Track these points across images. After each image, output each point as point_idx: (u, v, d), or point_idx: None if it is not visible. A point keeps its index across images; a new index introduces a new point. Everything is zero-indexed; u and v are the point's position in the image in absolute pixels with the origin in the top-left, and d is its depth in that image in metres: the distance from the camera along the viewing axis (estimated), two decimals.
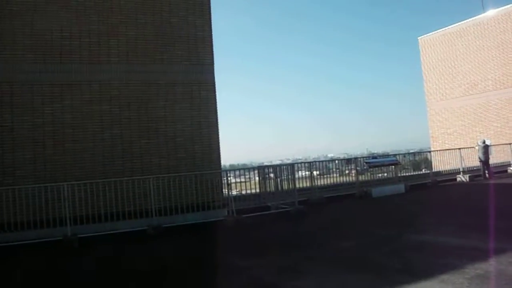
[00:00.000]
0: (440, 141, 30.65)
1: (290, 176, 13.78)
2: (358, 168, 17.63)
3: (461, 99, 29.37)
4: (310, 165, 16.67)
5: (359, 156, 21.92)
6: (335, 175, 18.81)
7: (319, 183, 16.87)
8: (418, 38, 32.36)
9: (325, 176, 17.93)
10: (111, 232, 11.30)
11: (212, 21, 14.57)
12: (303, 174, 17.54)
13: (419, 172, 20.45)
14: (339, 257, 7.25)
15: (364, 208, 13.89)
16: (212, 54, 14.45)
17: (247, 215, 12.61)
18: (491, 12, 28.18)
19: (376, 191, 16.48)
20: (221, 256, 8.42)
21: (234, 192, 13.92)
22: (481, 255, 6.44)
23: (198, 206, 12.78)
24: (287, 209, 13.25)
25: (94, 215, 11.53)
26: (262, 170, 14.78)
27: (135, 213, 11.98)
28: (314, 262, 7.10)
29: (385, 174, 18.11)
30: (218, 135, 14.21)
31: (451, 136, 29.88)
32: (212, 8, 14.58)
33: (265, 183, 14.36)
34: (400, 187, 17.16)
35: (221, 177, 13.73)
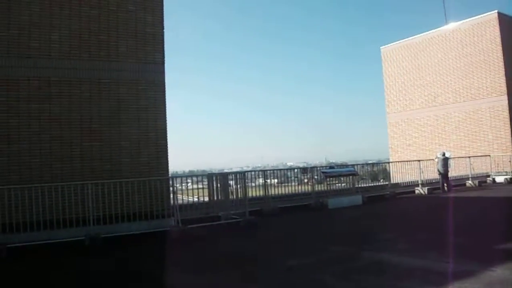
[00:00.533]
0: (399, 153, 30.57)
1: (239, 185, 12.96)
2: (315, 177, 17.04)
3: (421, 111, 29.40)
4: (264, 173, 15.94)
5: (318, 165, 21.37)
6: (293, 184, 18.19)
7: (273, 192, 16.17)
8: (381, 47, 32.34)
9: (281, 185, 17.28)
10: (47, 241, 10.22)
11: (164, 18, 13.71)
12: (259, 182, 16.89)
13: (377, 184, 20.05)
14: (286, 280, 6.49)
15: (319, 221, 13.25)
16: (163, 53, 13.55)
17: (195, 225, 11.77)
18: (453, 25, 28.35)
19: (333, 202, 15.91)
20: (156, 271, 7.54)
21: (181, 200, 13.08)
22: (441, 279, 5.81)
23: (143, 215, 11.85)
24: (237, 220, 12.46)
25: (27, 222, 10.40)
26: (211, 177, 13.95)
27: (77, 221, 10.92)
28: (255, 285, 6.32)
29: (343, 185, 17.56)
30: (166, 139, 13.32)
31: (410, 147, 29.85)
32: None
33: (214, 191, 13.53)
34: (358, 199, 16.66)
35: (168, 184, 12.86)
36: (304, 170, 17.73)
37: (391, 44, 31.67)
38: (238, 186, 12.96)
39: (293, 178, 18.70)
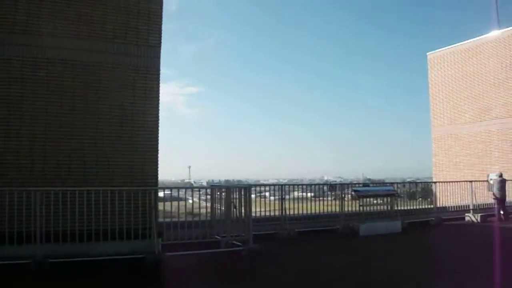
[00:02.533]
0: (444, 172, 26.96)
1: (243, 201, 10.08)
2: (351, 194, 13.98)
3: (471, 125, 25.74)
4: (281, 188, 13.01)
5: (355, 181, 18.19)
6: (318, 201, 15.11)
7: (292, 213, 13.19)
8: (427, 54, 28.90)
9: (304, 202, 14.32)
10: None
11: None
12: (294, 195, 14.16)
13: (420, 207, 16.77)
14: None
15: (346, 256, 10.15)
16: (159, 34, 10.85)
17: (180, 253, 8.96)
18: (509, 30, 24.78)
19: (365, 229, 12.85)
20: None
21: (175, 218, 10.35)
22: None
23: (118, 233, 9.18)
24: (238, 248, 9.61)
25: None
26: (215, 190, 11.16)
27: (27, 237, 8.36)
28: None
29: (379, 207, 14.41)
30: (157, 140, 10.59)
31: (457, 166, 26.18)
32: None
33: (214, 208, 10.74)
34: (396, 225, 13.52)
35: (156, 196, 10.18)
36: (331, 187, 14.55)
37: (439, 50, 28.19)
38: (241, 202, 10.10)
39: (318, 194, 15.60)
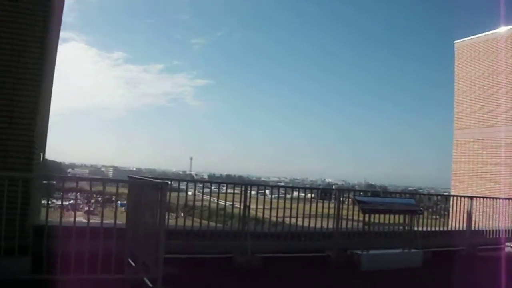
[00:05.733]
0: (466, 183, 22.46)
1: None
2: (360, 205, 9.64)
3: (505, 128, 21.15)
4: (245, 189, 8.55)
5: (356, 186, 13.59)
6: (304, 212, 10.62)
7: (261, 228, 8.82)
8: (455, 42, 24.30)
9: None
10: None
11: None
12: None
13: (445, 229, 12.24)
14: None
15: None
16: None
17: None
18: None
19: (369, 259, 8.48)
20: None
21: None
22: None
23: None
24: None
25: None
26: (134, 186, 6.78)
27: None
28: None
29: (389, 226, 9.98)
30: (37, 99, 6.29)
31: (484, 177, 21.67)
32: None
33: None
34: (415, 256, 9.16)
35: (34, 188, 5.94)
36: (324, 192, 9.80)
37: (469, 38, 23.62)
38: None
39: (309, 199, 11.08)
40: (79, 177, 6.41)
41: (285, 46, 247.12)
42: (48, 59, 7.40)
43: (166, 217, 7.73)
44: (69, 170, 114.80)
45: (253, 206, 8.97)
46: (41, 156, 9.73)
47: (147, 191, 5.73)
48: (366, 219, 8.86)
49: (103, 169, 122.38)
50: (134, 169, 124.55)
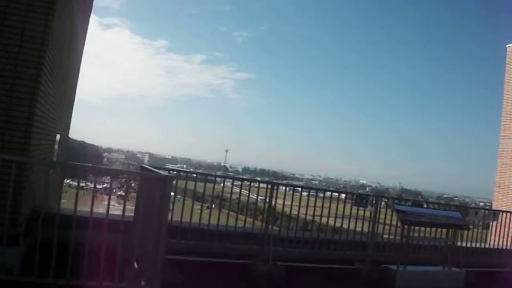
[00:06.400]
0: (510, 196, 20.98)
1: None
2: (399, 215, 8.71)
3: None
4: (271, 188, 7.70)
5: (391, 189, 12.57)
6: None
7: (286, 231, 7.96)
8: (507, 46, 22.76)
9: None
10: None
11: None
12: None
13: (486, 246, 11.06)
14: None
15: None
16: None
17: None
18: None
19: (405, 277, 7.54)
20: None
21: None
22: None
23: None
24: None
25: None
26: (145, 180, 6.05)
27: None
28: None
29: (428, 241, 8.97)
30: (71, 80, 5.61)
31: None
32: None
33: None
34: (457, 277, 8.14)
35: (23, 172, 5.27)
36: (360, 198, 8.75)
37: None
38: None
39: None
40: (84, 165, 5.61)
41: (321, 46, 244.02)
42: (61, 37, 6.74)
43: (180, 214, 7.04)
44: (105, 154, 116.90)
45: (281, 202, 8.11)
46: (57, 137, 9.15)
47: (155, 184, 4.96)
48: (405, 231, 7.89)
49: (138, 155, 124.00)
50: (170, 157, 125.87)
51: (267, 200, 7.63)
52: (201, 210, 8.06)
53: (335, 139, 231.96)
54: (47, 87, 6.03)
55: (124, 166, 76.40)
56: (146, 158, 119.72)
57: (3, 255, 4.54)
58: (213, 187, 7.87)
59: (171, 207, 6.08)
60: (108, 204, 5.07)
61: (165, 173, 4.94)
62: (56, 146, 9.44)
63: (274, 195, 7.66)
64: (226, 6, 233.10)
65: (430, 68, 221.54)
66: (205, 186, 7.74)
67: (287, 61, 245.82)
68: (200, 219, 7.44)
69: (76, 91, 12.62)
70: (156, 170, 5.38)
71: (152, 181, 5.03)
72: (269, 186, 7.72)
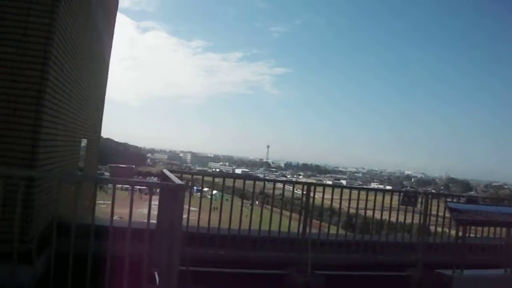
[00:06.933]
0: None
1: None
2: (453, 214, 7.88)
3: None
4: (307, 190, 7.03)
5: (437, 179, 11.59)
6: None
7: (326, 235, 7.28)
8: None
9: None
10: None
11: None
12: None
13: None
14: None
15: None
16: None
17: None
18: None
19: (462, 283, 6.68)
20: None
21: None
22: None
23: None
24: None
25: None
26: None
27: None
28: None
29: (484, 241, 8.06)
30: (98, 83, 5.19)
31: None
32: None
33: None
34: None
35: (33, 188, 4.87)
36: (408, 196, 7.84)
37: None
38: None
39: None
40: (102, 178, 5.09)
41: (354, 43, 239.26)
42: (74, 36, 6.28)
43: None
44: (149, 155, 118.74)
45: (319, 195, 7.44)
46: (83, 142, 8.79)
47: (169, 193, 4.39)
48: (460, 231, 7.04)
49: (181, 154, 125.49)
50: (212, 155, 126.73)
51: (304, 201, 6.99)
52: (242, 206, 7.47)
53: (378, 131, 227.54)
54: (58, 91, 5.58)
55: (167, 166, 77.36)
56: (189, 157, 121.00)
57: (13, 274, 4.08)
58: (254, 184, 7.26)
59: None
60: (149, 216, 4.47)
61: (179, 182, 4.36)
62: (83, 152, 9.09)
63: (311, 195, 7.01)
64: (261, 3, 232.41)
65: (473, 56, 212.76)
66: (244, 183, 7.21)
67: (321, 57, 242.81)
68: (230, 223, 6.86)
69: (110, 94, 12.32)
70: (174, 178, 4.82)
71: (166, 190, 4.48)
72: (305, 188, 7.06)
